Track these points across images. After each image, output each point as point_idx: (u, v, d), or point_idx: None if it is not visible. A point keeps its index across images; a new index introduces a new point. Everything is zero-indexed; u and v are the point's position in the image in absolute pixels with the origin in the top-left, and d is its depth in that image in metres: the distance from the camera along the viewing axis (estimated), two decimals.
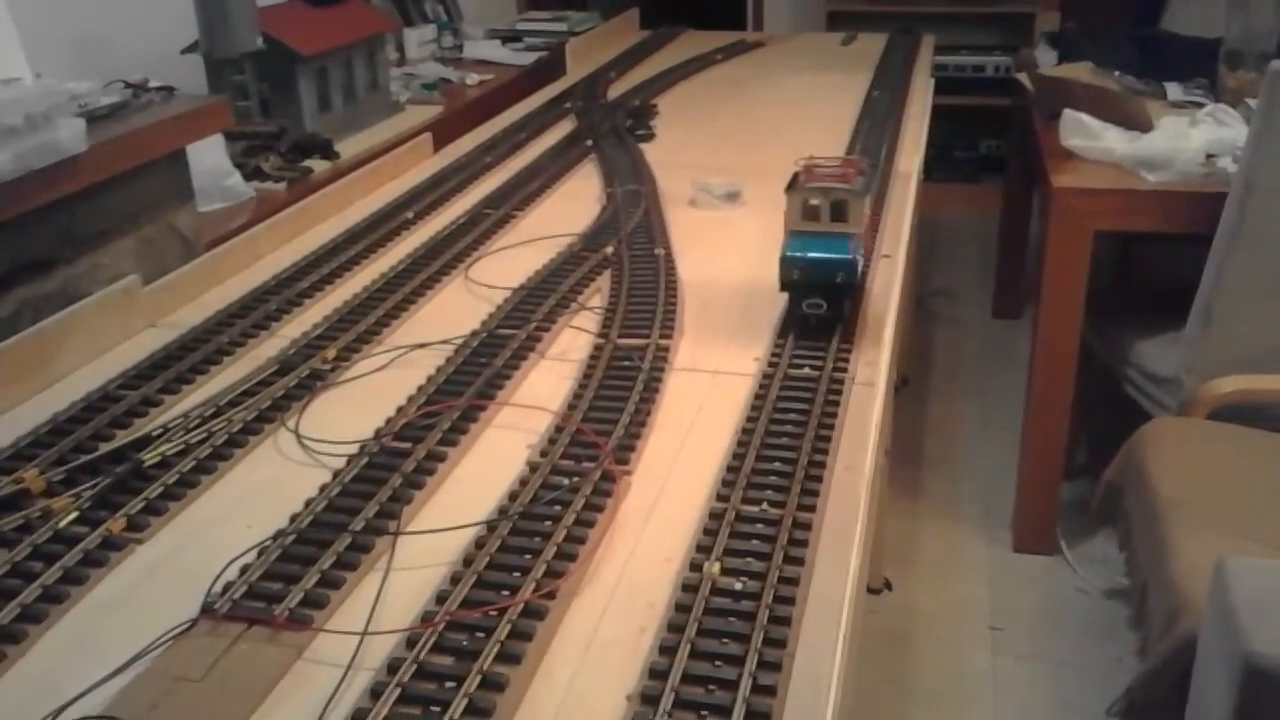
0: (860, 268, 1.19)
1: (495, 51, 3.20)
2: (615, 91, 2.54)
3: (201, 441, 1.04)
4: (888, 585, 2.17)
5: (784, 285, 1.19)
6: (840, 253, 1.16)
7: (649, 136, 2.14)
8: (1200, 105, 2.27)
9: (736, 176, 1.77)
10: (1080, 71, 2.62)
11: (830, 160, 1.21)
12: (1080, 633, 2.08)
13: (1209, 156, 2.01)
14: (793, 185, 1.18)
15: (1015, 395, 2.41)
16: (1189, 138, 2.05)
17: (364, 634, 0.79)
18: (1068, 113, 2.17)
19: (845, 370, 1.15)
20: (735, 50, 3.05)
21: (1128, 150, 2.07)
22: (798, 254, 1.17)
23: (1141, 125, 2.13)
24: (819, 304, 1.18)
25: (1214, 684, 1.18)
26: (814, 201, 1.16)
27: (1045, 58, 2.99)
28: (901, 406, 2.76)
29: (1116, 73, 2.57)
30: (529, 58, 3.17)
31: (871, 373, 1.15)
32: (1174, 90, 2.46)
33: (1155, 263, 2.59)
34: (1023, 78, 2.67)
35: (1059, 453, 2.22)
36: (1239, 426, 1.82)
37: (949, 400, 2.94)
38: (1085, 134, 2.13)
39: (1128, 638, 1.98)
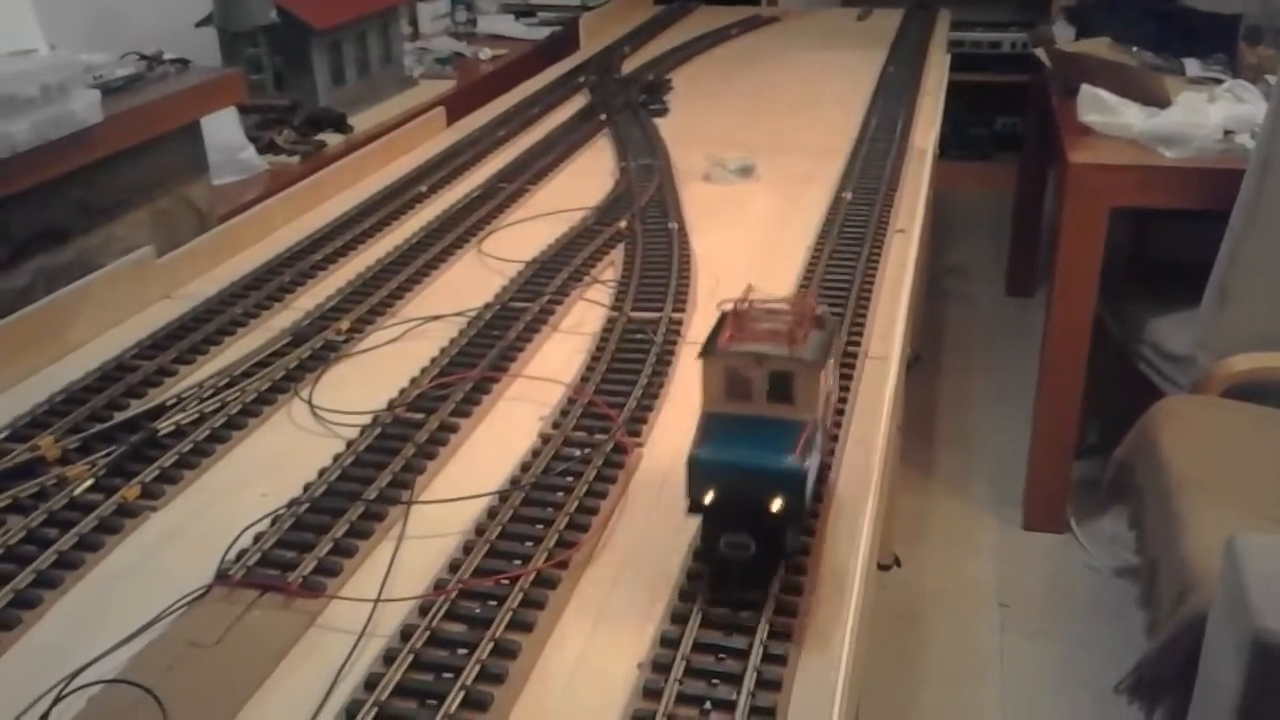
0: (813, 479, 0.79)
1: (509, 26, 3.19)
2: (629, 66, 2.53)
3: (215, 411, 1.04)
4: (897, 562, 2.18)
5: (693, 505, 0.77)
6: (780, 455, 0.75)
7: (663, 111, 2.13)
8: (1219, 81, 2.25)
9: (750, 152, 1.76)
10: (1098, 47, 2.60)
11: (773, 303, 0.83)
12: (1089, 610, 2.09)
13: (1227, 133, 1.99)
14: (712, 345, 0.79)
15: (1027, 373, 2.40)
16: (1207, 114, 2.03)
17: (377, 601, 0.79)
18: (1085, 88, 2.15)
19: (859, 345, 1.15)
20: (750, 25, 3.03)
21: (1145, 126, 2.05)
22: (715, 457, 0.75)
23: (1159, 101, 2.11)
24: (744, 544, 0.77)
25: (1223, 661, 1.18)
26: (743, 372, 0.77)
27: (1063, 33, 2.97)
28: (913, 383, 2.75)
29: (1135, 48, 2.56)
30: (542, 32, 3.16)
31: (885, 347, 1.15)
32: (1192, 66, 2.44)
33: (1170, 240, 2.58)
34: (1040, 53, 2.65)
35: (1071, 430, 2.21)
36: (1253, 404, 1.81)
37: (961, 377, 2.94)
38: (1103, 110, 2.12)
39: (1137, 616, 1.98)
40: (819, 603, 0.79)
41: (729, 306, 0.82)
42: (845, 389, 1.06)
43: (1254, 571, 1.15)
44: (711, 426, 0.77)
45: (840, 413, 0.93)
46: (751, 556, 0.76)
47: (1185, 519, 1.53)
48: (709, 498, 0.76)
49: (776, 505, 0.74)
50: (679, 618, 0.76)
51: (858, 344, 1.15)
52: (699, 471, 0.76)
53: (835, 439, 0.96)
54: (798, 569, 0.81)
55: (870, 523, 0.88)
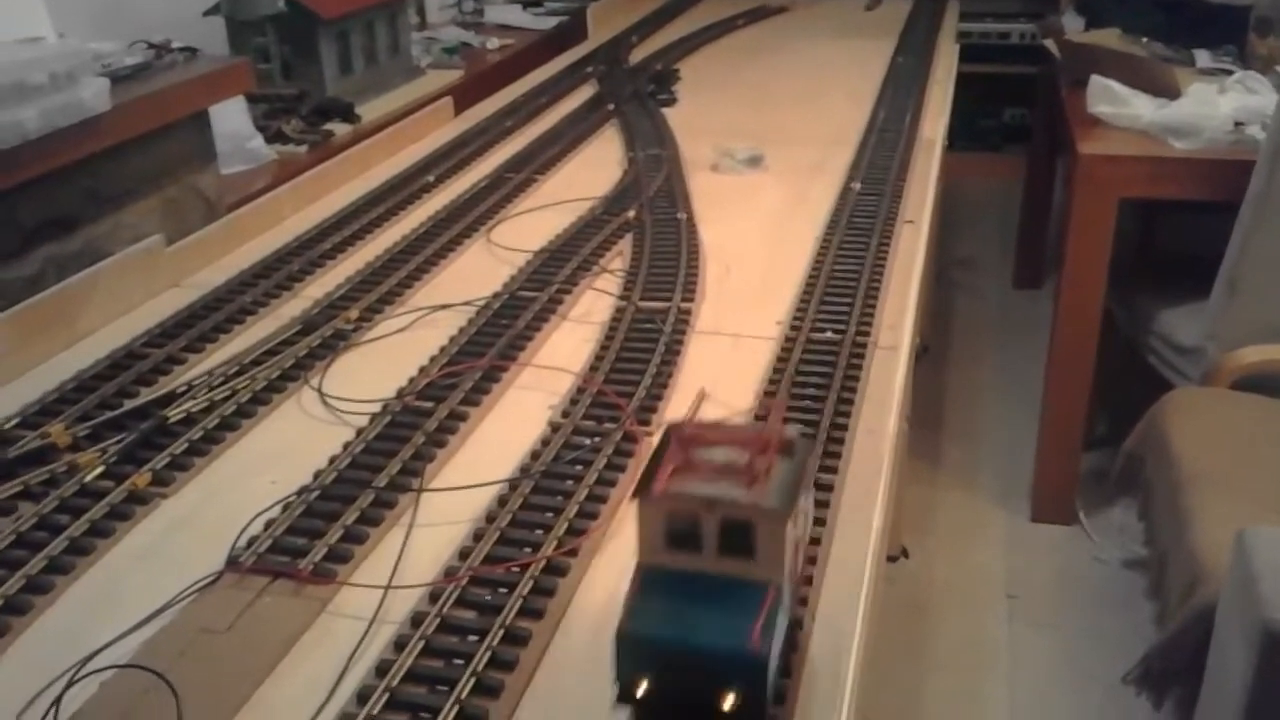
0: (778, 658, 0.63)
1: (516, 16, 3.18)
2: (637, 56, 2.53)
3: (225, 399, 1.04)
4: (905, 553, 2.18)
5: (623, 695, 0.61)
6: (735, 634, 0.59)
7: (671, 101, 2.13)
8: (1229, 72, 2.24)
9: (759, 142, 1.76)
10: (1108, 38, 2.59)
11: (733, 425, 0.70)
12: (1098, 602, 2.08)
13: (1237, 124, 1.98)
14: (649, 483, 0.63)
15: (1035, 365, 2.40)
16: (1217, 105, 2.02)
17: (388, 588, 0.79)
18: (1095, 79, 2.15)
19: (868, 335, 1.15)
20: (758, 15, 3.02)
21: (1155, 117, 2.05)
22: (650, 633, 0.60)
23: (1169, 92, 2.10)
24: None
25: (1232, 652, 1.18)
26: (688, 518, 0.62)
27: (1072, 24, 2.96)
28: (922, 375, 2.75)
29: (1144, 39, 2.54)
30: (550, 22, 3.15)
31: (894, 337, 1.15)
32: (1202, 57, 2.43)
33: (1179, 231, 2.57)
34: (1049, 44, 2.64)
35: (1079, 422, 2.21)
36: (1262, 396, 1.81)
37: (969, 369, 2.93)
38: (1113, 100, 2.11)
39: (1145, 607, 1.98)
40: (829, 593, 0.79)
41: (676, 425, 0.66)
42: (855, 379, 1.06)
43: (1264, 563, 1.15)
44: (649, 588, 0.61)
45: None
46: None
47: (1194, 511, 1.53)
48: (641, 688, 0.59)
49: (729, 702, 0.58)
50: None
51: (867, 334, 1.15)
52: (629, 651, 0.60)
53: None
54: (809, 559, 0.81)
55: (881, 510, 0.88)
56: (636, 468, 0.94)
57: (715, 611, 0.60)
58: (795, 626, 0.71)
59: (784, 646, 0.65)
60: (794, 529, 0.64)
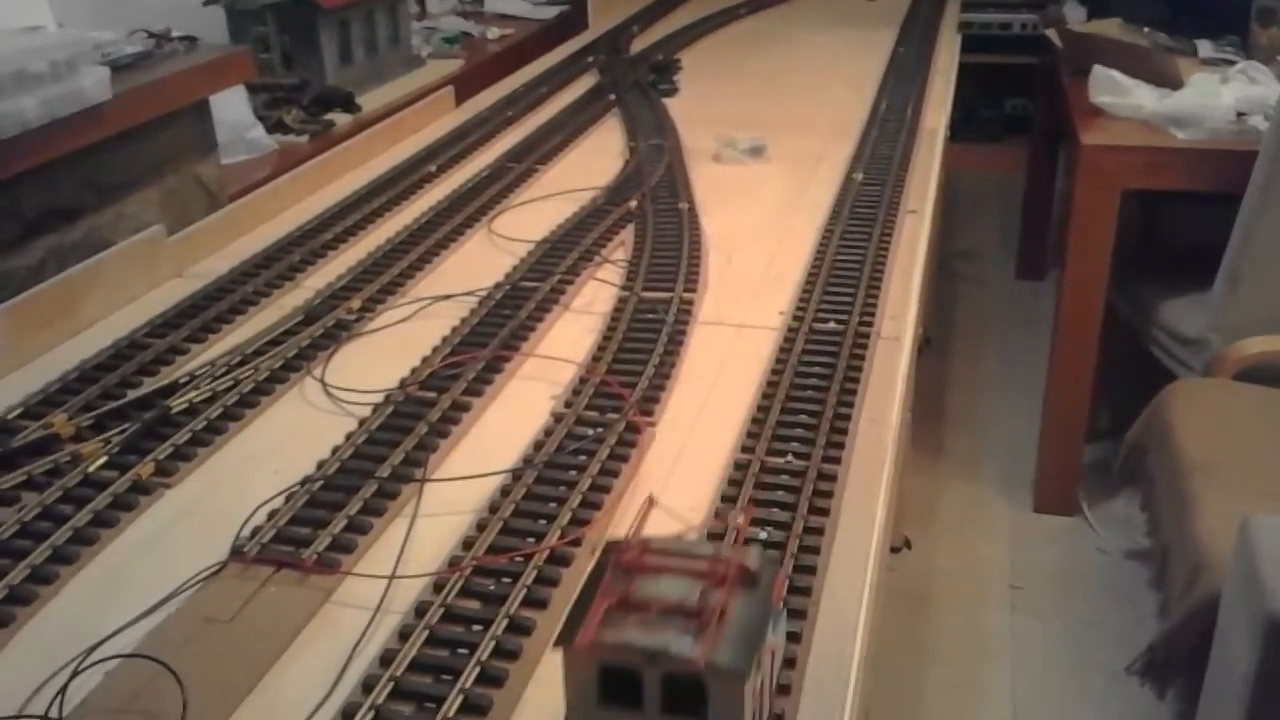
0: None
1: (517, 5, 3.17)
2: (638, 46, 2.52)
3: (228, 389, 1.04)
4: (907, 544, 2.17)
5: None
6: None
7: (672, 91, 2.12)
8: (1231, 62, 2.24)
9: (761, 131, 1.76)
10: (1110, 27, 2.58)
11: (678, 550, 0.58)
12: (1100, 593, 2.08)
13: (1240, 114, 1.98)
14: (575, 626, 0.54)
15: (1038, 356, 2.40)
16: (1219, 95, 2.02)
17: (392, 578, 0.79)
18: (1097, 69, 2.14)
19: (871, 325, 1.15)
20: (760, 5, 3.01)
21: (1157, 107, 2.04)
22: None
23: (1172, 82, 2.10)
24: None
25: (1236, 642, 1.18)
26: (626, 671, 0.53)
27: (1074, 14, 2.95)
28: (924, 366, 2.74)
29: (1146, 29, 2.54)
30: (551, 11, 3.14)
31: (897, 327, 1.15)
32: (1205, 47, 2.42)
33: (1182, 222, 2.56)
34: (1051, 34, 2.63)
35: (1081, 413, 2.20)
36: (1265, 387, 1.81)
37: (972, 360, 2.93)
38: (1115, 91, 2.11)
39: (1148, 598, 1.98)
40: (834, 581, 0.79)
41: (616, 544, 0.56)
42: (858, 369, 1.06)
43: (1267, 553, 1.15)
44: None
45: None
46: None
47: (1197, 501, 1.53)
48: None
49: None
50: None
51: (870, 324, 1.15)
52: None
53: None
54: (812, 549, 0.81)
55: (884, 499, 0.88)
56: (639, 459, 0.94)
57: None
58: None
59: None
60: (755, 681, 0.53)
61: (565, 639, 0.53)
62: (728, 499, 0.87)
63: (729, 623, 0.52)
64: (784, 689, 0.67)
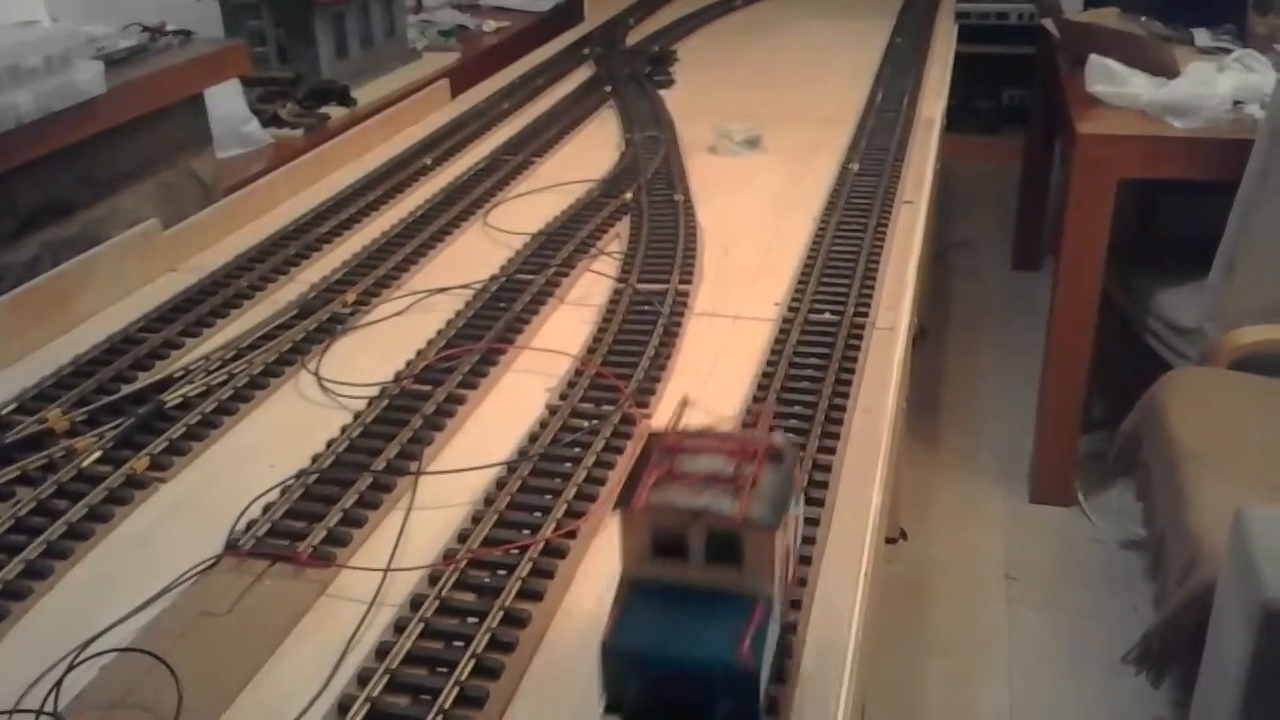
0: (769, 671, 0.61)
1: None
2: (634, 38, 2.52)
3: (223, 383, 1.04)
4: (903, 535, 2.18)
5: (611, 706, 0.60)
6: (723, 645, 0.58)
7: (668, 83, 2.12)
8: (1228, 51, 2.24)
9: (757, 123, 1.75)
10: (1106, 16, 2.58)
11: (718, 432, 0.67)
12: (1096, 583, 2.09)
13: (1236, 103, 1.98)
14: (630, 495, 0.61)
15: (1034, 347, 2.40)
16: (1216, 84, 2.01)
17: (387, 570, 0.79)
18: (1093, 58, 2.14)
19: (866, 316, 1.15)
20: None
21: (1154, 96, 2.04)
22: (636, 646, 0.59)
23: (1168, 71, 2.10)
24: None
25: (1231, 631, 1.18)
26: (674, 529, 0.60)
27: (1071, 3, 2.95)
28: (920, 357, 2.75)
29: (1143, 18, 2.53)
30: (547, 4, 3.13)
31: (893, 317, 1.15)
32: (1201, 35, 2.42)
33: (1178, 211, 2.56)
34: (1048, 24, 2.63)
35: (1077, 404, 2.21)
36: (1260, 377, 1.81)
37: (967, 351, 2.93)
38: (1111, 80, 2.10)
39: (1143, 588, 1.98)
40: (828, 572, 0.79)
41: (658, 433, 0.65)
42: (853, 360, 1.06)
43: (1263, 542, 1.15)
44: (634, 601, 0.60)
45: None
46: None
47: (1192, 491, 1.53)
48: (629, 700, 0.58)
49: (720, 713, 0.57)
50: None
51: (865, 315, 1.15)
52: (615, 664, 0.58)
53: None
54: (808, 539, 0.81)
55: (879, 488, 0.88)
56: (635, 450, 0.94)
57: (703, 624, 0.58)
58: (788, 632, 0.69)
59: (776, 655, 0.64)
60: (783, 538, 0.62)
61: (622, 504, 0.60)
62: None
63: (760, 488, 0.61)
64: (805, 560, 0.74)
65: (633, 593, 0.61)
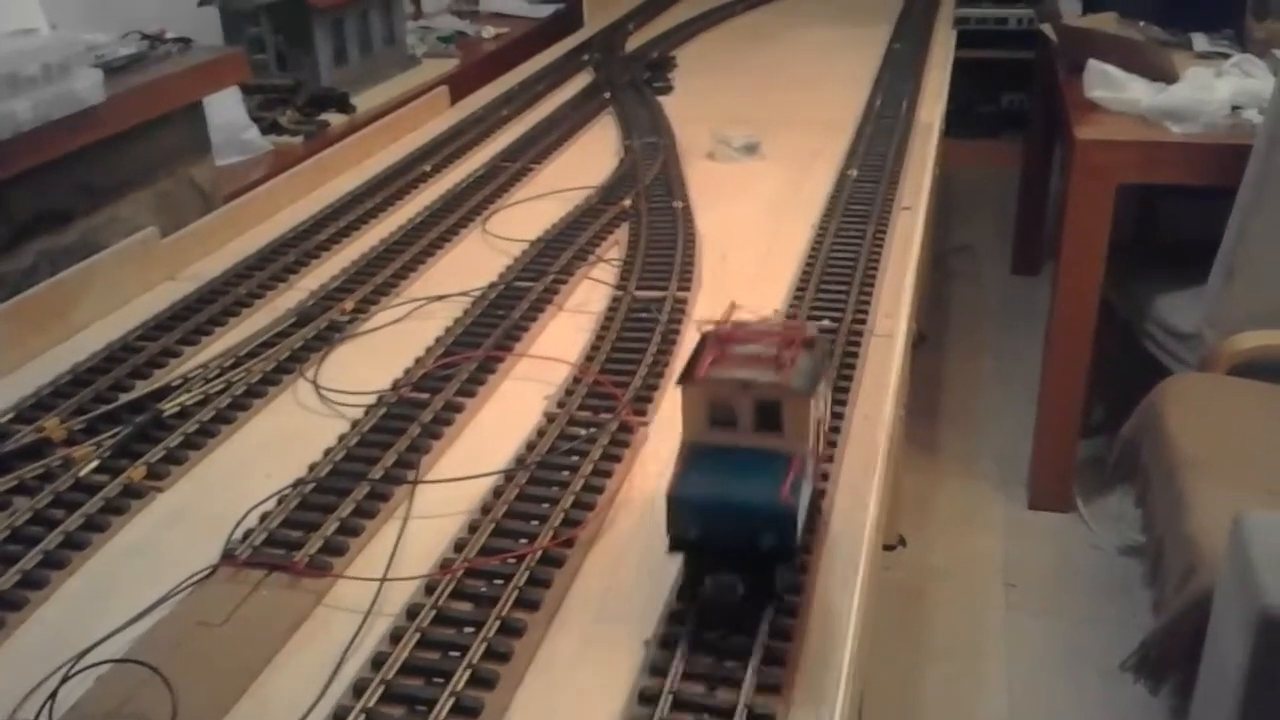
0: (804, 514, 0.73)
1: (512, 4, 3.17)
2: (633, 44, 2.52)
3: (221, 392, 1.04)
4: (902, 541, 2.18)
5: (674, 542, 0.72)
6: (767, 490, 0.70)
7: (667, 89, 2.12)
8: (1226, 56, 2.24)
9: (755, 129, 1.75)
10: (1105, 21, 2.58)
11: (761, 323, 0.80)
12: (1095, 589, 2.09)
13: (1235, 108, 1.98)
14: (692, 371, 0.74)
15: (1033, 352, 2.40)
16: (1214, 89, 2.01)
17: (383, 580, 0.79)
18: (1092, 63, 2.14)
19: (864, 322, 1.15)
20: (755, 2, 3.01)
21: (1153, 101, 2.04)
22: (698, 493, 0.71)
23: (1167, 76, 2.10)
24: (732, 584, 0.72)
25: (1230, 638, 1.18)
26: (726, 401, 0.73)
27: (1069, 8, 2.94)
28: (919, 363, 2.75)
29: (1142, 23, 2.53)
30: (546, 10, 3.14)
31: (891, 324, 1.15)
32: (1200, 41, 2.42)
33: (1177, 216, 2.56)
34: (1046, 28, 2.63)
35: (1076, 409, 2.20)
36: (1260, 382, 1.81)
37: (967, 357, 2.93)
38: (1110, 85, 2.11)
39: (1142, 594, 1.98)
40: (825, 581, 0.79)
41: (710, 328, 0.77)
42: (852, 366, 1.06)
43: (1261, 549, 1.15)
44: (693, 459, 0.72)
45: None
46: (740, 598, 0.72)
47: (1191, 497, 1.53)
48: (690, 540, 0.71)
49: (765, 544, 0.69)
50: (686, 594, 0.76)
51: (864, 321, 1.15)
52: (680, 509, 0.71)
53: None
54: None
55: (876, 500, 0.88)
56: (632, 458, 0.94)
57: (751, 475, 0.70)
58: (818, 495, 0.85)
59: (809, 507, 0.78)
60: (815, 410, 0.74)
61: (684, 380, 0.73)
62: None
63: (797, 367, 0.73)
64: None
65: (692, 454, 0.73)
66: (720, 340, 0.75)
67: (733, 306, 0.80)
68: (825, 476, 0.88)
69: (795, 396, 0.71)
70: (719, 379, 0.72)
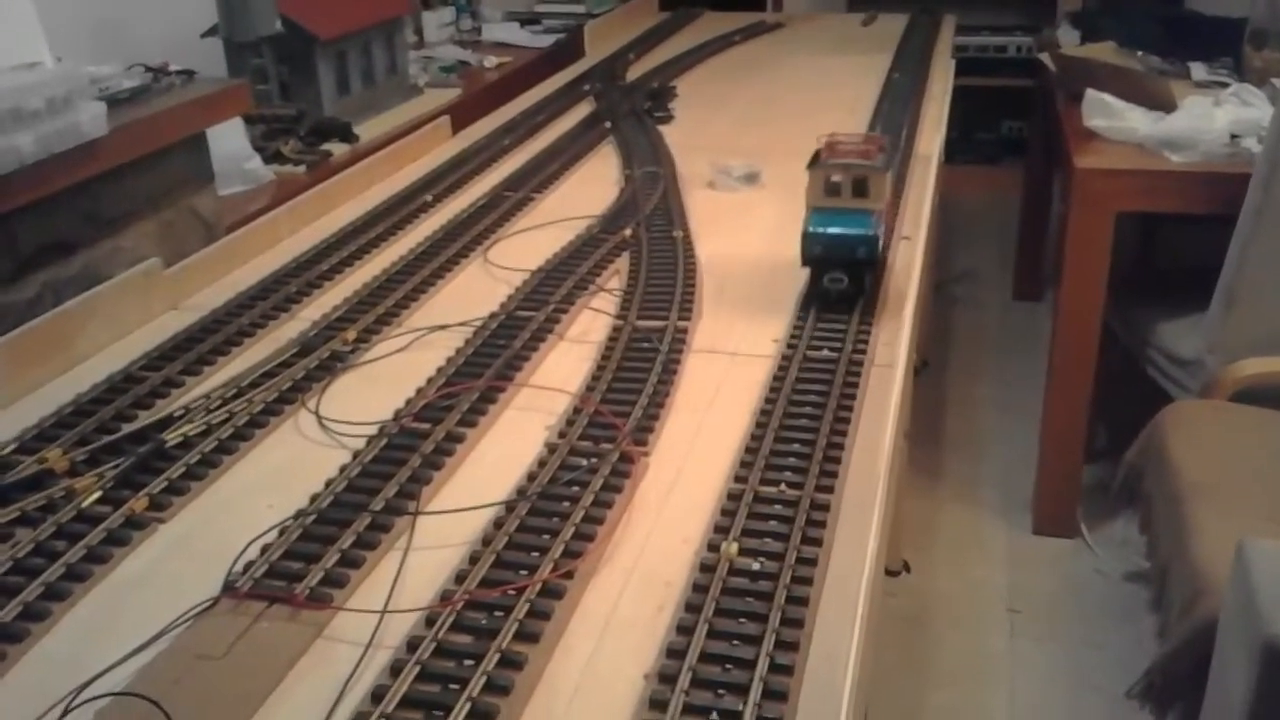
0: (881, 243, 1.22)
1: (513, 34, 3.19)
2: (634, 73, 2.53)
3: (223, 422, 1.04)
4: (906, 567, 2.17)
5: (806, 260, 1.22)
6: (862, 228, 1.19)
7: (667, 118, 2.13)
8: (1225, 85, 2.25)
9: (755, 158, 1.76)
10: (1103, 51, 2.60)
11: (851, 137, 1.22)
12: (1099, 615, 2.08)
13: (1233, 137, 1.99)
14: (814, 162, 1.20)
15: (1036, 378, 2.40)
16: (1213, 118, 2.02)
17: (383, 612, 0.79)
18: (1091, 93, 2.15)
19: (864, 352, 1.15)
20: (754, 31, 3.03)
21: (1151, 130, 2.05)
22: (820, 229, 1.19)
23: (1165, 105, 2.11)
24: (840, 278, 1.21)
25: (1234, 666, 1.17)
26: (836, 178, 1.18)
27: (1068, 37, 2.96)
28: (921, 389, 2.75)
29: (1140, 52, 2.55)
30: (547, 40, 3.16)
31: (890, 354, 1.15)
32: (1198, 70, 2.43)
33: (1178, 244, 2.57)
34: (1045, 58, 2.65)
35: (1079, 435, 2.20)
36: (1261, 409, 1.81)
37: (969, 383, 2.93)
38: (1108, 114, 2.12)
39: (1147, 621, 1.97)
40: (826, 611, 0.79)
41: (823, 140, 1.22)
42: (852, 397, 1.06)
43: (1264, 576, 1.14)
44: (815, 214, 1.20)
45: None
46: (844, 289, 1.22)
47: (1194, 523, 1.53)
48: (815, 259, 1.22)
49: (861, 254, 1.20)
50: (685, 628, 0.76)
51: (864, 351, 1.15)
52: (811, 239, 1.20)
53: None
54: (804, 580, 0.81)
55: (877, 529, 0.88)
56: (633, 489, 0.94)
57: (851, 220, 1.20)
58: (887, 233, 1.35)
59: (883, 240, 1.26)
60: (888, 187, 1.23)
61: (811, 165, 1.20)
62: (721, 529, 0.87)
63: (877, 158, 1.19)
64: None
65: (814, 213, 1.20)
66: (829, 145, 1.21)
67: (833, 134, 1.22)
68: (889, 237, 1.38)
69: (878, 173, 1.18)
70: (831, 164, 1.19)
